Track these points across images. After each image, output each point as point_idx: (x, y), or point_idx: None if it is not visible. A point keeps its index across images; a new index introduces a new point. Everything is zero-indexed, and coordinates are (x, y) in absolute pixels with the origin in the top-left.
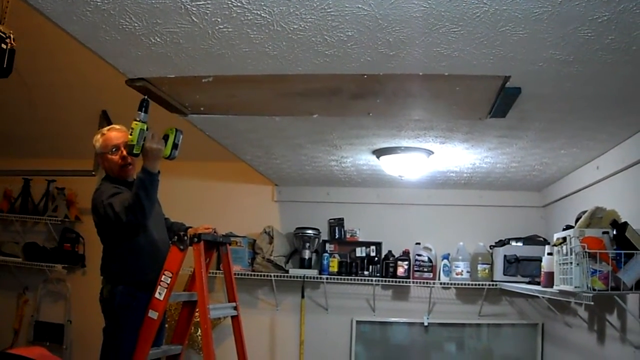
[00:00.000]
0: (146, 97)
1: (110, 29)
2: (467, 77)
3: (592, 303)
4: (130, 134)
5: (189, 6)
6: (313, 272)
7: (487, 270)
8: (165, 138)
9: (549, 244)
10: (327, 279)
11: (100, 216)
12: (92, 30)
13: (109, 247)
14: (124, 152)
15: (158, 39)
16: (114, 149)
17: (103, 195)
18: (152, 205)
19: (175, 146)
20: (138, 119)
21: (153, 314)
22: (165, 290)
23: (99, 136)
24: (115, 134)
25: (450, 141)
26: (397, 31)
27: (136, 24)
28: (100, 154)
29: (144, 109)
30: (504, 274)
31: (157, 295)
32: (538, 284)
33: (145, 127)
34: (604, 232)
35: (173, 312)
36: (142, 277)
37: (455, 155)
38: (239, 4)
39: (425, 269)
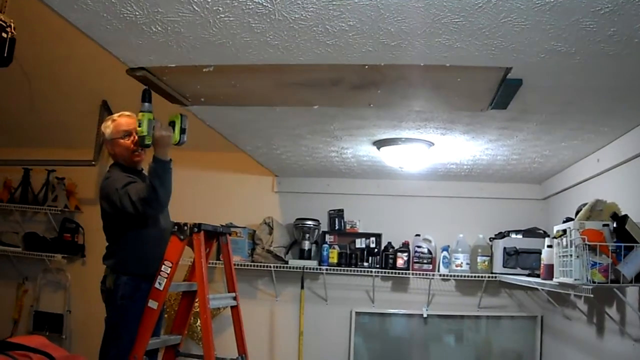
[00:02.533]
0: (147, 87)
1: (111, 17)
2: (469, 68)
3: (592, 295)
4: (139, 126)
5: None
6: (312, 263)
7: (486, 263)
8: (172, 125)
9: (548, 236)
10: (326, 270)
11: (113, 204)
12: (93, 19)
13: (116, 236)
14: (136, 137)
15: (159, 28)
16: (125, 135)
17: (117, 183)
18: (167, 194)
19: (183, 131)
20: (144, 110)
21: (153, 304)
22: (165, 280)
23: (109, 122)
24: (126, 119)
25: (451, 132)
26: (398, 21)
27: (137, 13)
28: (110, 140)
29: (147, 99)
30: (504, 266)
31: (157, 285)
32: (537, 276)
33: (152, 116)
34: (604, 225)
35: (172, 302)
36: (147, 268)
37: (456, 147)
38: None
39: (425, 261)
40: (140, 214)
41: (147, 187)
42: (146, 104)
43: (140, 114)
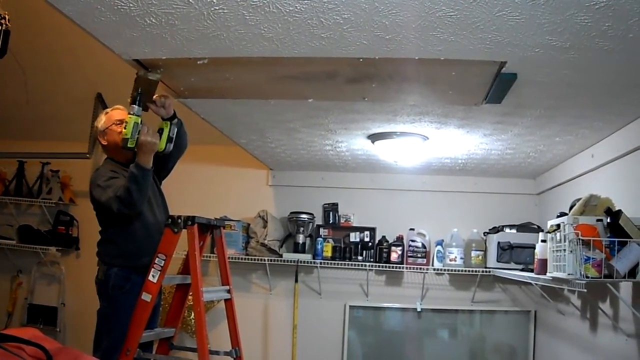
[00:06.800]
0: (140, 90)
1: (106, 9)
2: (463, 62)
3: (585, 290)
4: (125, 127)
5: None
6: (307, 257)
7: (480, 257)
8: (160, 132)
9: (542, 231)
10: (320, 263)
11: (92, 198)
12: (87, 11)
13: (104, 229)
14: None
15: (153, 20)
16: (117, 122)
17: (99, 178)
18: (143, 198)
19: (170, 139)
20: (132, 113)
21: (146, 297)
22: (159, 273)
23: (102, 116)
24: (118, 111)
25: (445, 126)
26: (393, 14)
27: (131, 5)
28: (102, 131)
29: (137, 102)
30: (498, 261)
31: (150, 277)
32: (531, 271)
33: (140, 120)
34: (597, 220)
35: (167, 295)
36: (136, 261)
37: (451, 141)
38: None
39: (419, 255)
40: (115, 211)
41: (123, 189)
42: (135, 107)
43: (128, 116)
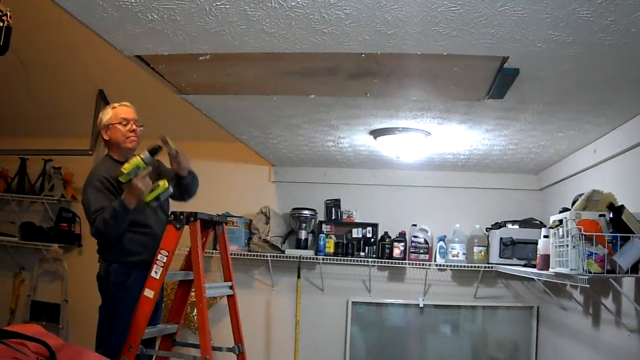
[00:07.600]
0: (159, 145)
1: (107, 5)
2: (465, 57)
3: (588, 286)
4: (128, 162)
5: None
6: (309, 253)
7: (483, 253)
8: (156, 187)
9: (545, 226)
10: (323, 259)
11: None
12: (88, 7)
13: None
14: (134, 126)
15: (155, 16)
16: (123, 122)
17: (91, 186)
18: (119, 232)
19: (157, 199)
20: (142, 156)
21: (149, 293)
22: (162, 269)
23: (109, 109)
24: (125, 108)
25: (447, 122)
26: (395, 9)
27: (133, 0)
28: (106, 125)
29: (152, 152)
30: (500, 257)
31: (153, 274)
32: (534, 266)
33: (142, 166)
34: (600, 215)
35: (169, 291)
36: (136, 257)
37: (453, 137)
38: None
39: (421, 251)
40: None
41: (102, 220)
42: (148, 154)
43: (137, 156)
